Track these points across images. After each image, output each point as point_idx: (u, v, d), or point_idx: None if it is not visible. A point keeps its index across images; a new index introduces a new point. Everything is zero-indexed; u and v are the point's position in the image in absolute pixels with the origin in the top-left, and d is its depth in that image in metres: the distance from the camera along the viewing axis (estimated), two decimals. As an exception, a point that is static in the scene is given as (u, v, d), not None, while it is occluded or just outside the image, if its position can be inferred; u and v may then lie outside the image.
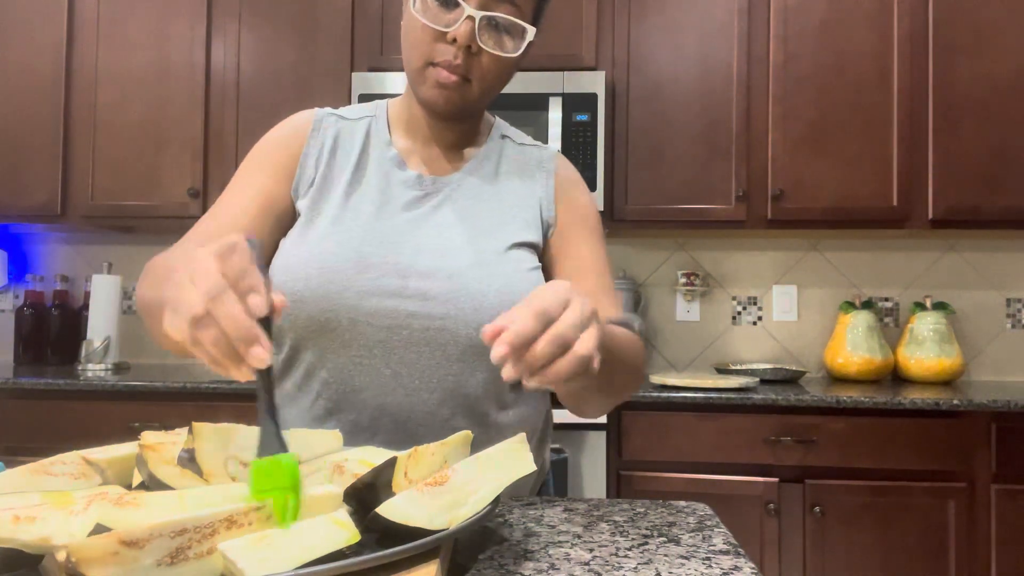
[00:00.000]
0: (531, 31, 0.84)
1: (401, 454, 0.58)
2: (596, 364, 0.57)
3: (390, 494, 0.55)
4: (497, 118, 1.01)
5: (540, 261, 0.93)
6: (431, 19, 0.81)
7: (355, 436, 0.84)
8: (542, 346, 0.54)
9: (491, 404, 0.86)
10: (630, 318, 0.89)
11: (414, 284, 0.83)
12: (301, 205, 0.89)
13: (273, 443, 0.53)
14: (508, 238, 0.88)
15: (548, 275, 0.93)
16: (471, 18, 0.80)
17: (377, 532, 0.53)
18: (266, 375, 0.54)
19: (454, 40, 0.80)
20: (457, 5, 0.81)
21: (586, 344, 0.56)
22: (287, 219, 0.90)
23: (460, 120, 0.91)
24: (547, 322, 0.55)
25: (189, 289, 0.51)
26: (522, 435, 0.62)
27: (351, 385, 0.84)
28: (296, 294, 0.82)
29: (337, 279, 0.82)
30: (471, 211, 0.89)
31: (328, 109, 0.96)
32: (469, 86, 0.84)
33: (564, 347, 0.55)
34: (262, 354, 0.51)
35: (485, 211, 0.89)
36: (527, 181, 0.94)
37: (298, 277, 0.82)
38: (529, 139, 1.00)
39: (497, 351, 0.53)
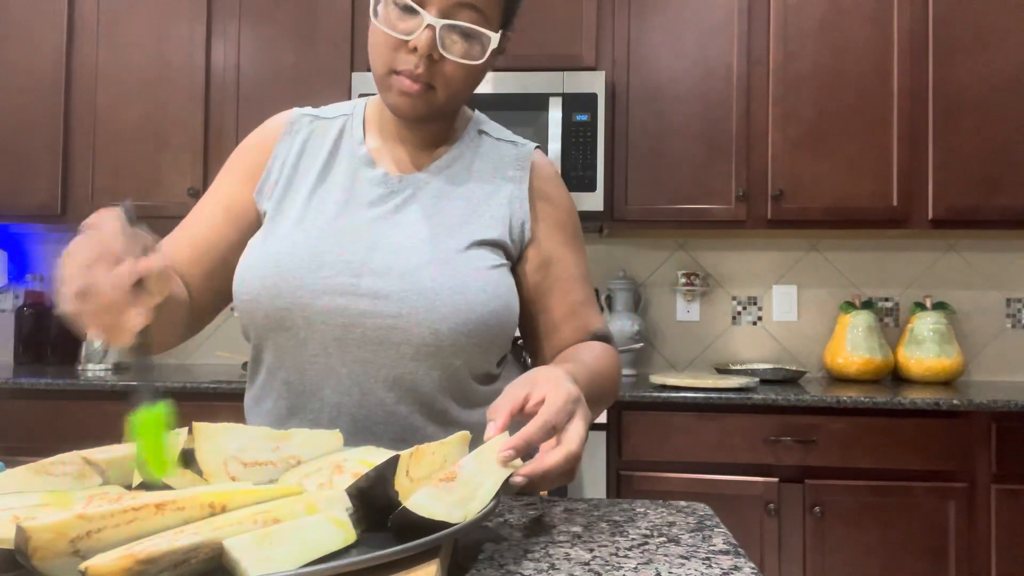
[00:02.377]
0: (494, 38, 0.82)
1: (403, 453, 0.58)
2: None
3: (393, 493, 0.56)
4: (476, 112, 0.98)
5: (514, 261, 0.92)
6: (391, 27, 0.80)
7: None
8: (557, 463, 0.63)
9: (449, 402, 0.86)
10: (607, 331, 0.94)
11: (367, 282, 0.82)
12: (267, 207, 0.90)
13: (147, 395, 0.59)
14: (469, 236, 0.87)
15: (534, 282, 0.92)
16: (431, 27, 0.78)
17: (396, 529, 0.53)
18: (144, 334, 0.58)
19: (415, 49, 0.79)
20: (417, 13, 0.79)
21: (579, 456, 0.65)
22: (253, 222, 0.91)
23: (430, 122, 0.90)
24: (552, 434, 0.64)
25: (67, 264, 0.54)
26: (506, 434, 0.63)
27: (309, 384, 0.84)
28: (253, 292, 0.82)
29: (291, 277, 0.82)
30: (435, 209, 0.88)
31: (307, 109, 0.96)
32: (434, 93, 0.83)
33: (573, 462, 0.64)
34: (138, 316, 0.55)
35: (450, 209, 0.88)
36: (498, 179, 0.92)
37: (255, 276, 0.83)
38: (509, 134, 0.97)
39: (504, 455, 0.61)
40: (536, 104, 2.28)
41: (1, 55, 2.51)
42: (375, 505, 0.55)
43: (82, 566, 0.41)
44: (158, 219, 2.45)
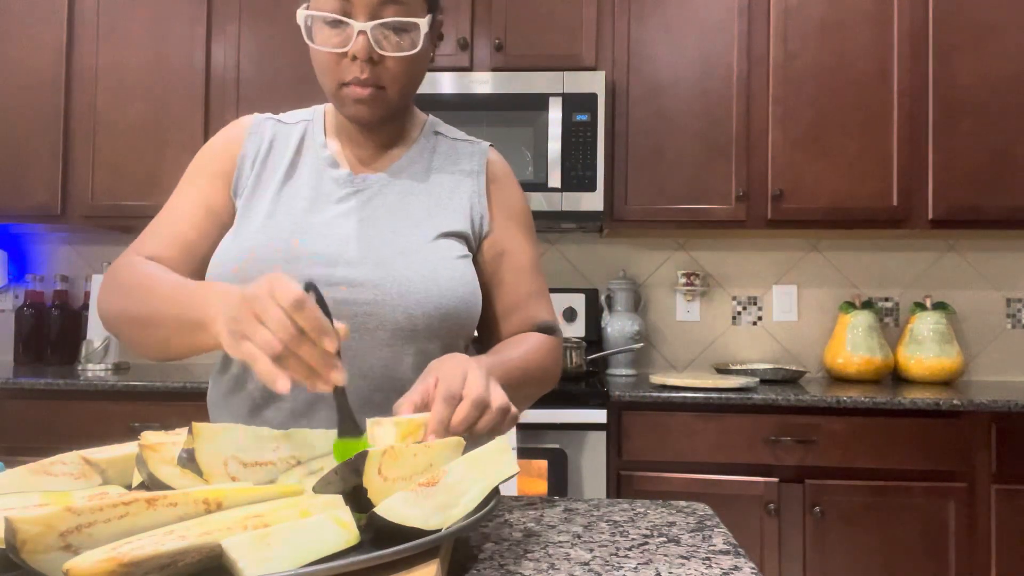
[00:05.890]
0: (423, 23, 0.85)
1: (374, 450, 0.57)
2: (514, 410, 0.70)
3: (362, 490, 0.56)
4: (430, 116, 1.03)
5: (473, 253, 0.96)
6: (326, 43, 0.84)
7: (294, 422, 0.86)
8: (464, 414, 0.66)
9: None
10: (551, 323, 0.99)
11: (341, 272, 0.85)
12: (239, 204, 0.92)
13: (351, 428, 0.66)
14: (435, 228, 0.91)
15: (489, 272, 0.96)
16: (363, 32, 0.82)
17: (372, 532, 0.53)
18: (342, 389, 0.66)
19: (354, 57, 0.83)
20: (346, 24, 0.83)
21: (499, 398, 0.68)
22: (229, 221, 0.93)
23: (386, 123, 0.93)
24: (455, 401, 0.67)
25: (262, 331, 0.61)
26: (504, 438, 0.64)
27: None
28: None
29: (266, 269, 0.84)
30: (400, 205, 0.92)
31: (267, 114, 0.99)
32: (384, 92, 0.87)
33: (483, 408, 0.67)
34: (339, 374, 0.63)
35: (414, 204, 0.92)
36: (457, 175, 0.97)
37: (229, 269, 0.85)
38: (463, 135, 1.02)
39: (428, 440, 0.64)
40: (536, 104, 2.28)
41: (1, 55, 2.51)
42: (359, 507, 0.55)
43: (65, 566, 0.41)
44: (158, 219, 2.46)
